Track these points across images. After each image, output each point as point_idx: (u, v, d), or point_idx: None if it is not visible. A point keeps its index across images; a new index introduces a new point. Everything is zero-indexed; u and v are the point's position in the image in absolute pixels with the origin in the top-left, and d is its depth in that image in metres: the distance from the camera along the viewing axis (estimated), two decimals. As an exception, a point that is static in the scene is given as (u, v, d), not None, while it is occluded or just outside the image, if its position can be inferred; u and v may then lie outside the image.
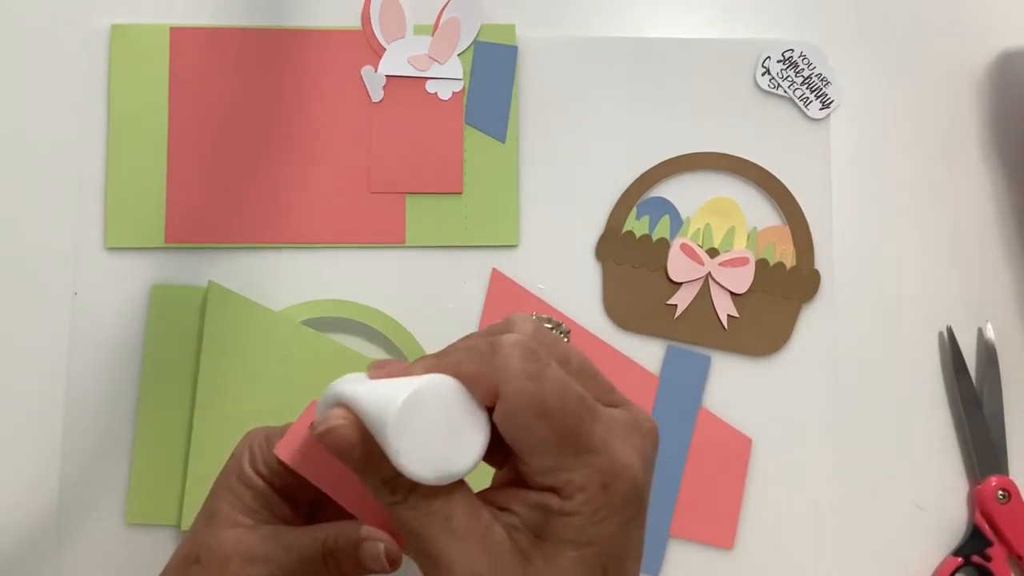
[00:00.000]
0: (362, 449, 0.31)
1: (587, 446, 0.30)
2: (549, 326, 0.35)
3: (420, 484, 0.30)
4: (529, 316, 0.32)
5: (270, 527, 0.37)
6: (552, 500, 0.30)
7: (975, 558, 0.54)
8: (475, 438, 0.31)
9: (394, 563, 0.36)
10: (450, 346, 0.33)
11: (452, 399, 0.30)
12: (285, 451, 0.36)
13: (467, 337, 0.33)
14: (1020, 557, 0.54)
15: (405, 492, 0.31)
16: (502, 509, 0.31)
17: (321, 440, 0.31)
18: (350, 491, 0.36)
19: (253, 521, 0.37)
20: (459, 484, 0.31)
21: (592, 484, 0.30)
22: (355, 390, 0.31)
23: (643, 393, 0.55)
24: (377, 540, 0.36)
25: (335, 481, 0.36)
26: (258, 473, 0.38)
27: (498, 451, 0.32)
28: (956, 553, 0.54)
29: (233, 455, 0.39)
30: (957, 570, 0.54)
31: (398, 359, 0.54)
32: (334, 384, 0.33)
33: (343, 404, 0.31)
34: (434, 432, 0.30)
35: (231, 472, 0.38)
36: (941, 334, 0.57)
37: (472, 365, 0.31)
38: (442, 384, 0.30)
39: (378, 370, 0.33)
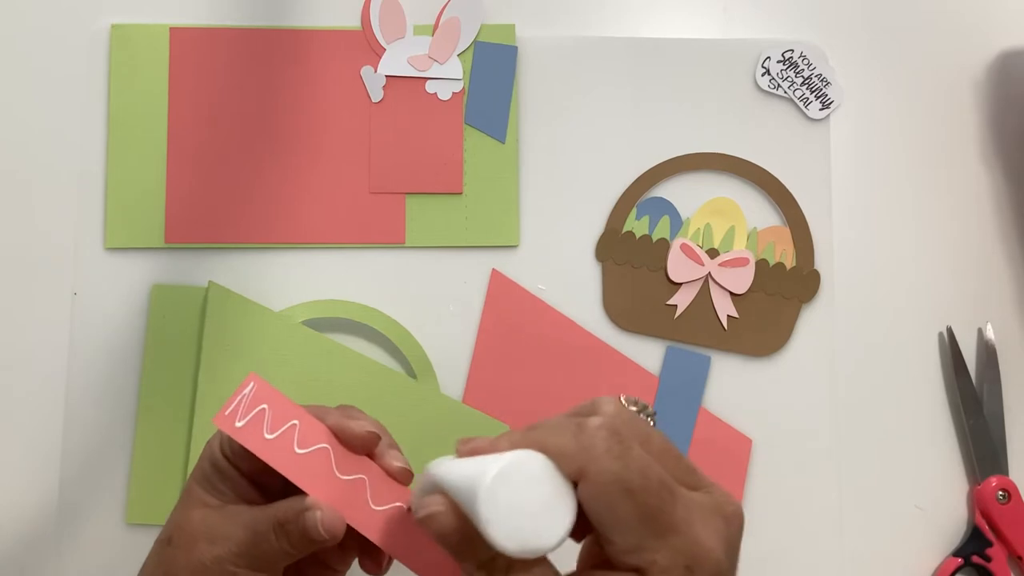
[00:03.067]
0: (459, 534, 0.32)
1: (670, 526, 0.31)
2: (635, 408, 0.36)
3: (513, 568, 0.31)
4: (614, 398, 0.34)
5: (234, 507, 0.38)
6: None
7: (975, 558, 0.54)
8: (562, 514, 0.31)
9: (332, 534, 0.36)
10: (537, 423, 0.34)
11: (541, 475, 0.31)
12: (223, 421, 0.37)
13: (554, 418, 0.34)
14: (1020, 557, 0.54)
15: (501, 575, 0.32)
16: None
17: (422, 526, 0.33)
18: (291, 457, 0.37)
19: (219, 502, 0.38)
20: (549, 568, 0.32)
21: (676, 566, 0.31)
22: (448, 470, 0.33)
23: (643, 393, 0.55)
24: (316, 509, 0.36)
25: (272, 446, 0.37)
26: (224, 456, 0.39)
27: (577, 526, 0.33)
28: (956, 553, 0.54)
29: (209, 441, 0.40)
30: (957, 570, 0.54)
31: (399, 360, 0.54)
32: (429, 466, 0.35)
33: (439, 487, 0.33)
34: (523, 505, 0.31)
35: (205, 456, 0.40)
36: (941, 334, 0.57)
37: (559, 443, 0.32)
38: (532, 460, 0.31)
39: (464, 445, 0.34)
